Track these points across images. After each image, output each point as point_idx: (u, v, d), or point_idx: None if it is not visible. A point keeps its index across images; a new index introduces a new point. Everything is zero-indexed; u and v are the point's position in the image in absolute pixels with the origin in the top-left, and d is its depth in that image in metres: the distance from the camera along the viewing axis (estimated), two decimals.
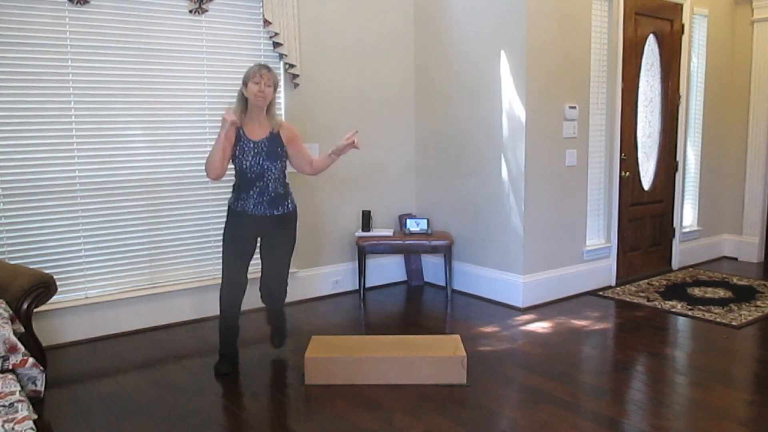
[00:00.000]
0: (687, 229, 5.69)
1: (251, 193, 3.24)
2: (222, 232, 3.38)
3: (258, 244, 3.42)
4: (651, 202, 5.34)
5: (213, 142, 4.21)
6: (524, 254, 4.40)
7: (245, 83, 3.17)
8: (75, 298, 3.83)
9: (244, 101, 3.21)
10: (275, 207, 3.30)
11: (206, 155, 4.13)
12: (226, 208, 3.36)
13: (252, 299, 4.46)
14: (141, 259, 4.05)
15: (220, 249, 4.29)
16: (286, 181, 3.39)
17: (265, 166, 3.24)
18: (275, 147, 3.26)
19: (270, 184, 3.27)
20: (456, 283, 4.90)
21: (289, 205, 3.38)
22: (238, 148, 3.22)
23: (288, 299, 4.58)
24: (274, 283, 3.52)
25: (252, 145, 3.22)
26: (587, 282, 4.82)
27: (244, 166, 3.22)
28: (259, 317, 4.28)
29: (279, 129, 3.29)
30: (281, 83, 4.45)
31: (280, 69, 4.43)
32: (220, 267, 4.36)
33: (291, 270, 4.57)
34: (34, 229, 3.68)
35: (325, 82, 4.65)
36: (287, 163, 3.38)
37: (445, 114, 4.91)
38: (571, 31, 4.49)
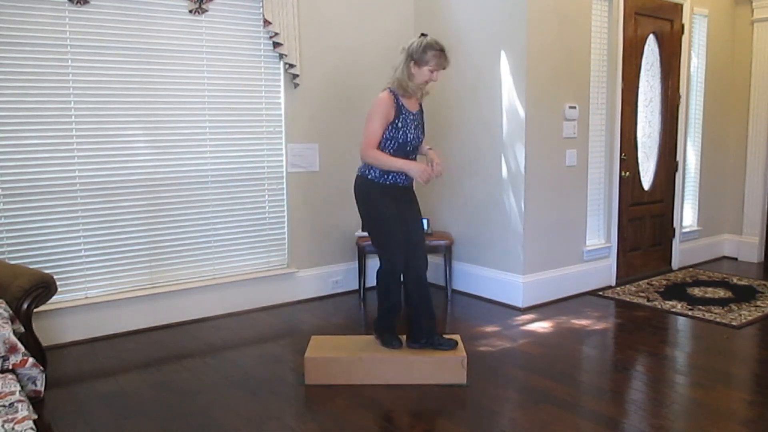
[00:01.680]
0: (687, 229, 5.69)
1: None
2: (368, 213, 3.20)
3: None
4: (651, 202, 5.34)
5: (212, 142, 4.25)
6: (524, 254, 4.40)
7: (418, 62, 3.05)
8: (75, 298, 3.83)
9: (408, 72, 3.08)
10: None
11: (206, 155, 4.21)
12: (364, 185, 3.16)
13: (245, 300, 4.46)
14: (141, 259, 4.05)
15: (223, 249, 4.34)
16: None
17: (421, 138, 3.25)
18: (423, 118, 3.30)
19: (417, 155, 3.26)
20: (456, 283, 4.90)
21: None
22: (400, 120, 3.11)
23: (287, 299, 4.62)
24: (420, 250, 3.28)
25: (412, 117, 3.16)
26: (587, 282, 4.82)
27: (408, 138, 3.13)
28: (259, 316, 4.28)
29: (421, 101, 3.29)
30: (281, 83, 4.46)
31: (280, 69, 4.44)
32: (221, 267, 4.38)
33: (292, 270, 4.61)
34: (34, 229, 3.68)
35: (325, 82, 4.65)
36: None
37: (445, 114, 4.91)
38: (571, 31, 4.49)
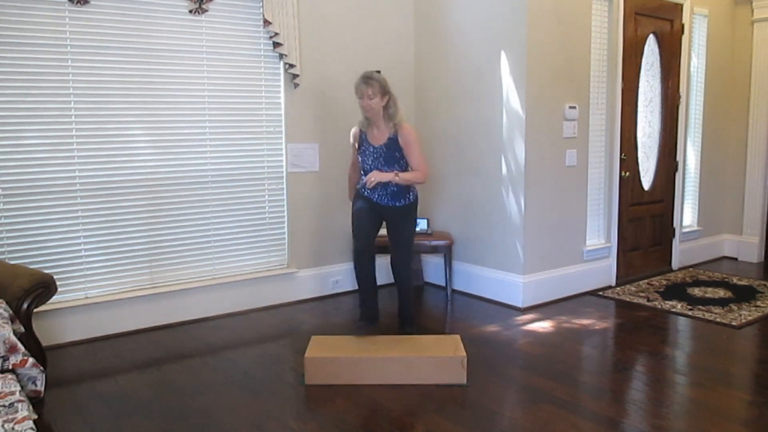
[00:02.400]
0: (687, 229, 5.69)
1: (375, 187, 3.55)
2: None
3: (383, 225, 3.72)
4: (651, 202, 5.34)
5: (212, 142, 4.26)
6: (524, 254, 4.40)
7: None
8: (75, 298, 3.83)
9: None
10: (398, 199, 3.60)
11: (206, 155, 4.22)
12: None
13: (245, 300, 4.47)
14: (141, 259, 4.05)
15: (223, 249, 4.36)
16: None
17: (384, 171, 3.52)
18: (393, 152, 3.51)
19: (390, 182, 3.53)
20: (456, 283, 4.90)
21: (410, 197, 3.64)
22: (360, 151, 3.62)
23: (287, 299, 4.62)
24: (397, 263, 3.70)
25: (372, 149, 3.56)
26: (587, 282, 4.82)
27: (365, 168, 3.61)
28: (259, 316, 4.29)
29: (398, 132, 3.50)
30: (281, 83, 4.46)
31: (280, 69, 4.44)
32: (221, 267, 4.42)
33: (292, 270, 4.62)
34: (34, 229, 3.68)
35: (325, 82, 4.65)
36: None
37: (445, 114, 4.91)
38: (571, 31, 4.49)
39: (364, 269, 3.62)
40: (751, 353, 3.59)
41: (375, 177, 3.46)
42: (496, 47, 4.43)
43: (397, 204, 3.60)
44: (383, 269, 5.12)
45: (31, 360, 2.79)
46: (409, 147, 3.51)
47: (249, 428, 2.69)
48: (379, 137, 3.54)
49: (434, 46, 4.96)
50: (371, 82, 3.43)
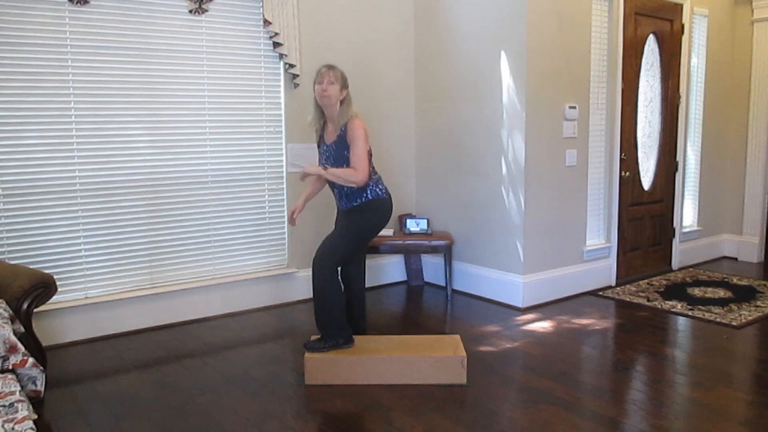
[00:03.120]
0: (687, 229, 5.69)
1: (334, 191, 3.50)
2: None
3: None
4: (651, 202, 5.34)
5: (212, 142, 4.26)
6: (524, 254, 4.40)
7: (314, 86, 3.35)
8: (75, 298, 3.83)
9: (317, 105, 3.38)
10: (353, 200, 3.43)
11: (206, 155, 4.22)
12: None
13: (245, 300, 4.47)
14: (141, 259, 4.05)
15: (223, 249, 4.37)
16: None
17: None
18: (342, 150, 3.33)
19: (342, 183, 3.37)
20: (456, 283, 4.90)
21: (368, 195, 3.38)
22: (318, 149, 3.54)
23: (287, 299, 4.63)
24: (314, 258, 3.36)
25: (324, 148, 3.45)
26: (587, 282, 4.82)
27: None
28: (259, 316, 4.29)
29: (346, 129, 3.30)
30: (281, 83, 4.46)
31: (280, 69, 4.44)
32: (221, 267, 4.42)
33: (291, 270, 4.61)
34: (34, 229, 3.68)
35: None
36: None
37: (445, 114, 4.91)
38: (571, 31, 4.49)
39: (345, 281, 3.62)
40: (751, 353, 3.59)
41: (306, 168, 3.37)
42: (496, 47, 4.43)
43: (354, 204, 3.40)
44: (378, 270, 5.14)
45: (31, 360, 2.79)
46: (351, 142, 3.28)
47: (249, 428, 2.69)
48: (331, 134, 3.38)
49: (434, 46, 4.96)
50: (334, 69, 3.31)
